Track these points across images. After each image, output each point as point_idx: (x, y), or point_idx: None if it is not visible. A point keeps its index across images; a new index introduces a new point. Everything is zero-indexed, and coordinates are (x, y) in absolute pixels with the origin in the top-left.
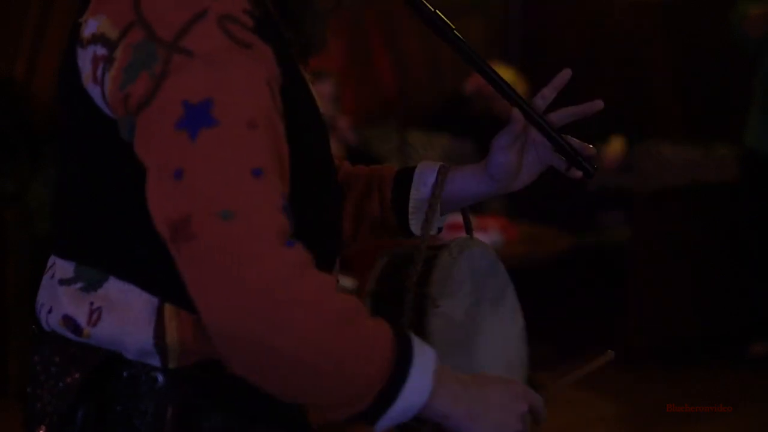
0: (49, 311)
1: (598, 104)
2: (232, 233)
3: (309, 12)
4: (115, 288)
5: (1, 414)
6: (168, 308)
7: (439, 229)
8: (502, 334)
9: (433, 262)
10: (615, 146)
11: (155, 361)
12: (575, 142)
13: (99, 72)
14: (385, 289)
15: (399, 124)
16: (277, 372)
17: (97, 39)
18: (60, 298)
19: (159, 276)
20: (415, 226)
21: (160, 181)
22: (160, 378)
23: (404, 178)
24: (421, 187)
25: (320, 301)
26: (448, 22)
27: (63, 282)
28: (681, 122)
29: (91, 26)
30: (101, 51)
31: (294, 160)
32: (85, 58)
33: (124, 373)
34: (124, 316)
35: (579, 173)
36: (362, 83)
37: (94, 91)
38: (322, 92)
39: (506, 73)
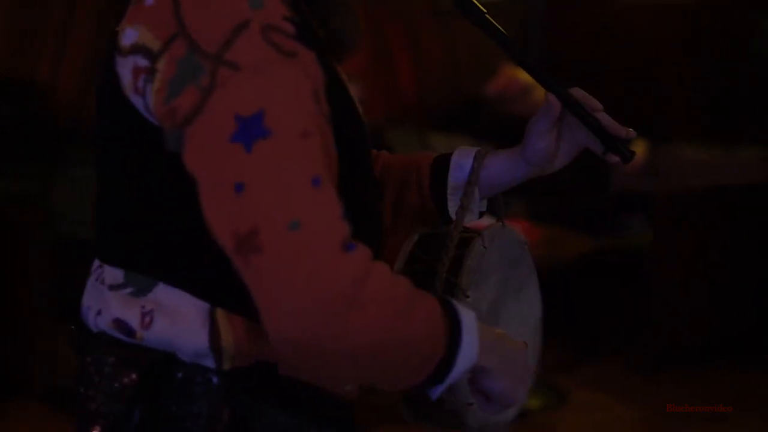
0: (98, 313)
1: (631, 133)
2: (300, 244)
3: (339, 8)
4: (164, 293)
5: (24, 413)
6: (220, 312)
7: (481, 214)
8: (520, 324)
9: (465, 250)
10: (637, 150)
11: (210, 363)
12: (614, 125)
13: (140, 83)
14: (413, 271)
15: (419, 127)
16: (345, 371)
17: (138, 49)
18: (110, 301)
19: (209, 283)
20: (454, 213)
21: (219, 195)
22: (215, 379)
23: (441, 165)
24: (457, 173)
25: (387, 296)
26: (479, 5)
27: (113, 287)
28: (703, 125)
29: (129, 35)
30: (142, 62)
31: (340, 162)
32: (125, 67)
33: (179, 374)
34: (176, 320)
35: (616, 158)
36: (383, 85)
37: (137, 101)
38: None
39: (526, 76)
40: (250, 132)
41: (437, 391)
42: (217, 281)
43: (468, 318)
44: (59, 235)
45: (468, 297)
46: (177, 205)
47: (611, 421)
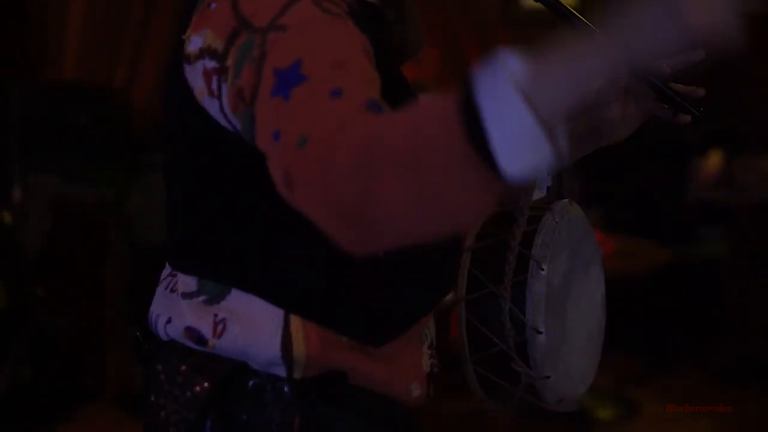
0: (168, 321)
1: (698, 53)
2: (307, 155)
3: (405, 17)
4: (238, 300)
5: (99, 418)
6: (294, 319)
7: (548, 188)
8: (588, 301)
9: (537, 225)
10: (713, 160)
11: (281, 372)
12: (680, 87)
13: (214, 85)
14: (486, 246)
15: None
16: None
17: (204, 53)
18: (182, 310)
19: (283, 287)
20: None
21: (267, 151)
22: (286, 388)
23: None
24: None
25: (383, 135)
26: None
27: (186, 296)
28: None
29: (195, 42)
30: (210, 64)
31: None
32: (195, 75)
33: (250, 383)
34: (249, 328)
35: (686, 118)
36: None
37: (212, 106)
38: None
39: None
40: (287, 82)
41: (513, 168)
42: (291, 285)
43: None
44: (135, 241)
45: (543, 270)
46: (249, 212)
47: None
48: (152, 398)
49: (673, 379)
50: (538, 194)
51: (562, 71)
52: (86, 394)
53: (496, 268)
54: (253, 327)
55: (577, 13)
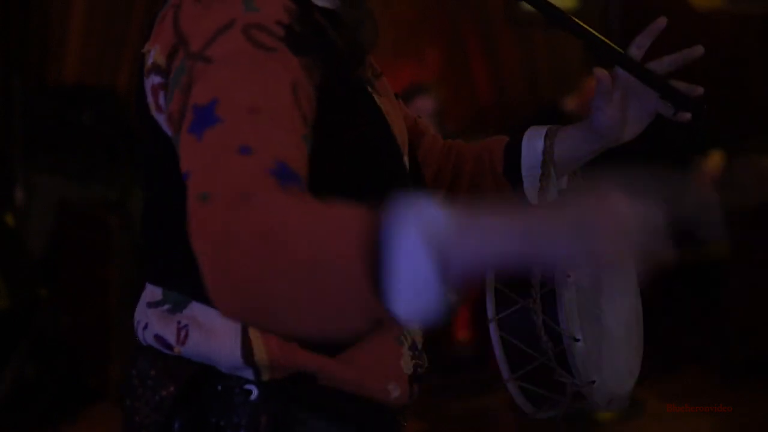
0: (145, 327)
1: (699, 50)
2: (205, 213)
3: (358, 11)
4: (198, 309)
5: (102, 418)
6: (252, 329)
7: (560, 192)
8: (622, 292)
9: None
10: (714, 160)
11: (248, 375)
12: (679, 84)
13: (160, 100)
14: None
15: (495, 134)
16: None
17: (152, 69)
18: (150, 318)
19: None
20: (531, 194)
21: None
22: (255, 391)
23: (514, 148)
24: (530, 154)
25: (267, 231)
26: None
27: (151, 305)
28: None
29: (150, 57)
30: (156, 79)
31: (361, 164)
32: (147, 88)
33: (218, 387)
34: (210, 335)
35: (687, 115)
36: (459, 91)
37: (160, 119)
38: (423, 107)
39: None
40: (202, 121)
41: (405, 308)
42: None
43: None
44: (138, 241)
45: (570, 275)
46: None
47: None
48: (127, 402)
49: (674, 379)
50: (549, 197)
51: (475, 239)
52: (90, 394)
53: (522, 282)
54: (213, 334)
55: (573, 18)
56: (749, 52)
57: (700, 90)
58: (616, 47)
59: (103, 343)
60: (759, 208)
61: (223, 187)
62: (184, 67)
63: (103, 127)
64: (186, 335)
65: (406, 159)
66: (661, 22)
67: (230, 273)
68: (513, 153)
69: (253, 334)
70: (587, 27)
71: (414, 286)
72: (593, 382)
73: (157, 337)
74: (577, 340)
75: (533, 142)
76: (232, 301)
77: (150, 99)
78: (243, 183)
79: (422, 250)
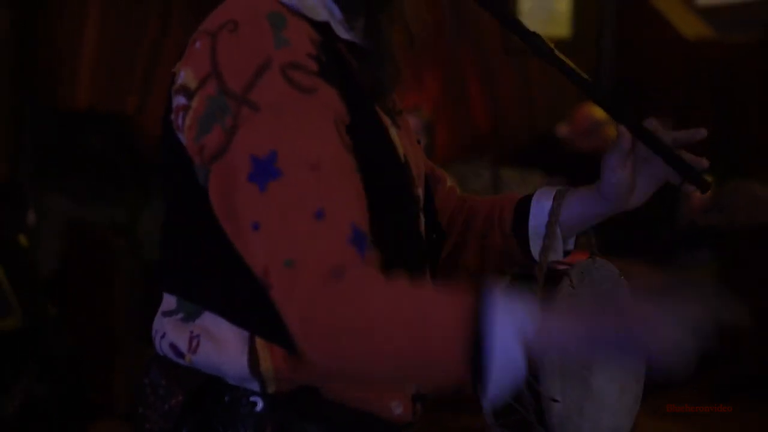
0: (162, 336)
1: (701, 132)
2: (293, 280)
3: (380, 49)
4: (210, 319)
5: None
6: (259, 341)
7: (566, 253)
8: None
9: (553, 293)
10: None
11: (255, 386)
12: (687, 155)
13: (180, 120)
14: None
15: (492, 161)
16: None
17: (181, 89)
18: (166, 326)
19: (247, 312)
20: (537, 254)
21: (243, 233)
22: (260, 402)
23: (523, 206)
24: (538, 214)
25: (385, 315)
26: (548, 42)
27: (166, 314)
28: None
29: (180, 77)
30: (182, 101)
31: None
32: (173, 105)
33: (226, 397)
34: (219, 345)
35: (692, 187)
36: (456, 117)
37: (182, 138)
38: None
39: (600, 113)
40: (263, 173)
41: (493, 393)
42: (254, 311)
43: (503, 309)
44: (145, 262)
45: None
46: (217, 238)
47: None
48: (140, 410)
49: (668, 397)
50: (554, 256)
51: (555, 336)
52: (96, 411)
53: None
54: (222, 344)
55: (559, 54)
56: (740, 81)
57: (705, 163)
58: (629, 112)
59: (109, 361)
60: (747, 232)
61: (309, 256)
62: (226, 107)
63: (112, 152)
64: (198, 344)
65: (419, 191)
66: (700, 133)
67: (327, 348)
68: (522, 211)
69: (260, 345)
70: (598, 91)
71: (504, 377)
72: (557, 400)
73: (172, 346)
74: (556, 401)
75: (542, 203)
76: (320, 358)
77: (173, 116)
78: (329, 256)
79: (517, 349)
